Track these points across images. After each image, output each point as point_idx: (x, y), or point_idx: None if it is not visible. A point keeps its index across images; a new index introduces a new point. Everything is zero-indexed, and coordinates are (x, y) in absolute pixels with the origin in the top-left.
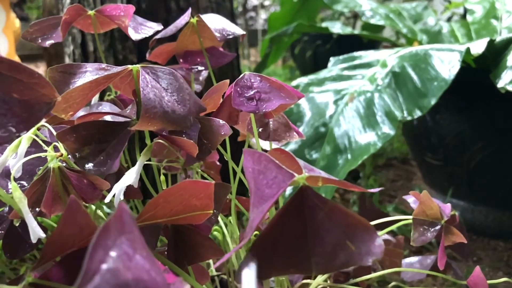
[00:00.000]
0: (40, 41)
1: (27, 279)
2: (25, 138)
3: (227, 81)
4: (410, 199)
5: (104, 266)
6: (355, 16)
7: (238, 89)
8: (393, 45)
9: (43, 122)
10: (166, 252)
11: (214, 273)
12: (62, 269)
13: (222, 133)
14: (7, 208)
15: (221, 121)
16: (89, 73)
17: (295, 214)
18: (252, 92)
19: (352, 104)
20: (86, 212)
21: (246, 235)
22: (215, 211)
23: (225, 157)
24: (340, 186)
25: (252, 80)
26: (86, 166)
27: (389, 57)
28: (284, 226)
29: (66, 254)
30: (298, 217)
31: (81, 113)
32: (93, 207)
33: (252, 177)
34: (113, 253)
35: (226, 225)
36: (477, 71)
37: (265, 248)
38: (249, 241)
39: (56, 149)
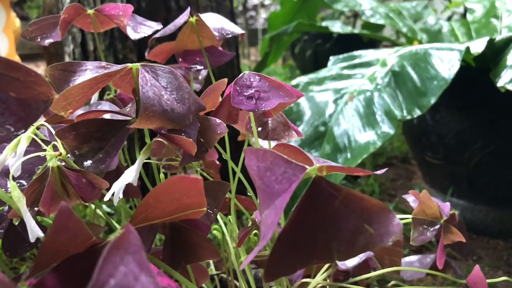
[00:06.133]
0: (39, 40)
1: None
2: (24, 137)
3: (225, 80)
4: (410, 198)
5: (112, 281)
6: (355, 15)
7: (238, 88)
8: (393, 44)
9: (42, 121)
10: (162, 251)
11: (214, 272)
12: (57, 276)
13: (218, 132)
14: (7, 207)
15: (217, 120)
16: (89, 71)
17: (312, 206)
18: (251, 91)
19: (351, 103)
20: (79, 218)
21: (264, 234)
22: (214, 210)
23: (224, 156)
24: (345, 172)
25: (252, 79)
26: (85, 163)
27: (389, 56)
28: (303, 219)
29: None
30: (315, 208)
31: (80, 111)
32: (93, 206)
33: (257, 175)
34: (121, 270)
35: (225, 224)
36: (477, 70)
37: (287, 244)
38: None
39: (55, 148)
